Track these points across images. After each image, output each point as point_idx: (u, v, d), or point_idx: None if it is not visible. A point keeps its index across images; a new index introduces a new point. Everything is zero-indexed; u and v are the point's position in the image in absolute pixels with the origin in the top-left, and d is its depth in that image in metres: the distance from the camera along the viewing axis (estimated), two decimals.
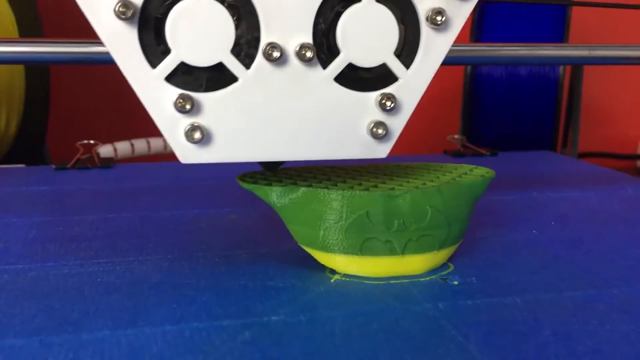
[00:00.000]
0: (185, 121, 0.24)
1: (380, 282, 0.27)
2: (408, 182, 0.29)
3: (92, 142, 0.55)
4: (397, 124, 0.26)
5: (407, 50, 0.26)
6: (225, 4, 0.24)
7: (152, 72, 0.23)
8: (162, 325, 0.23)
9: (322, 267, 0.28)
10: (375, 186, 0.28)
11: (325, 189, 0.27)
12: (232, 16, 0.24)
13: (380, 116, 0.26)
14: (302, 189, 0.28)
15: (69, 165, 0.51)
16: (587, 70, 0.86)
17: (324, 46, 0.25)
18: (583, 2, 0.72)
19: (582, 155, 0.94)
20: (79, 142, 0.54)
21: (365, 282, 0.27)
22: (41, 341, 0.22)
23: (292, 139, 0.26)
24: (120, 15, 0.22)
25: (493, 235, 0.34)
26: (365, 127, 0.26)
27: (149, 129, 0.70)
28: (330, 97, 0.25)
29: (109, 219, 0.36)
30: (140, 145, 0.63)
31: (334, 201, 0.27)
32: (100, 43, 0.33)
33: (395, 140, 0.27)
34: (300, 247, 0.29)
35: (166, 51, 0.23)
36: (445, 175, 0.31)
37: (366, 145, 0.26)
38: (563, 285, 0.27)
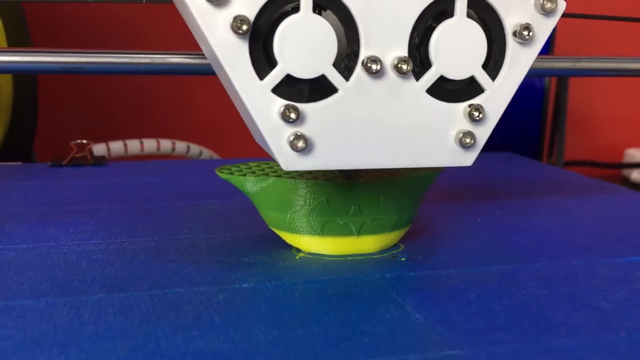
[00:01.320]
0: (289, 130, 0.26)
1: (338, 259, 0.31)
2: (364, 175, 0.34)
3: (85, 141, 0.59)
4: (484, 133, 0.28)
5: (493, 63, 0.27)
6: (328, 19, 0.25)
7: (260, 84, 0.25)
8: (150, 290, 0.27)
9: (289, 247, 0.33)
10: (336, 177, 0.33)
11: (292, 179, 0.32)
12: (335, 31, 0.25)
13: (468, 126, 0.27)
14: (272, 178, 0.32)
15: (64, 163, 0.55)
16: (573, 79, 0.89)
17: (417, 59, 0.26)
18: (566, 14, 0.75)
19: (568, 164, 0.97)
20: (73, 142, 0.58)
21: (326, 258, 0.31)
22: (47, 302, 0.26)
23: (386, 147, 0.27)
24: (236, 30, 0.24)
25: (441, 223, 0.38)
26: (454, 136, 0.27)
27: (140, 131, 0.74)
28: (422, 108, 0.27)
29: (102, 208, 0.41)
30: (133, 145, 0.67)
31: (300, 189, 0.31)
32: (88, 53, 0.37)
33: (481, 149, 0.28)
34: (270, 230, 0.33)
35: (273, 64, 0.25)
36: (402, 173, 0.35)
37: (453, 153, 0.28)
38: (495, 260, 0.31)
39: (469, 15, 0.26)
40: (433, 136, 0.27)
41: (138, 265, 0.30)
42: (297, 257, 0.31)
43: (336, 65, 0.25)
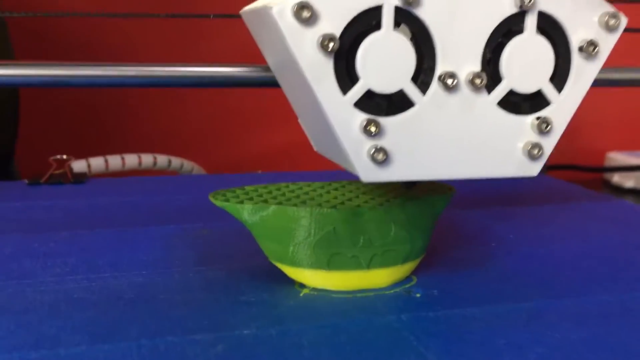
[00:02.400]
0: (369, 143, 0.26)
1: (347, 296, 0.28)
2: (373, 198, 0.31)
3: (64, 157, 0.56)
4: (550, 144, 0.28)
5: (558, 77, 0.28)
6: (409, 37, 0.26)
7: (343, 99, 0.25)
8: (138, 339, 0.24)
9: (291, 281, 0.30)
10: (342, 203, 0.30)
11: (294, 207, 0.29)
12: (414, 47, 0.26)
13: (535, 138, 0.28)
14: (272, 206, 0.29)
15: (42, 181, 0.51)
16: None
17: (488, 74, 0.27)
18: None
19: (551, 168, 0.97)
20: (52, 158, 0.55)
21: (333, 295, 0.28)
22: (20, 357, 0.22)
23: (460, 158, 0.27)
24: (325, 48, 0.24)
25: (455, 248, 0.35)
26: (522, 147, 0.28)
27: (122, 146, 0.71)
28: (493, 121, 0.27)
29: (83, 234, 0.37)
30: (115, 161, 0.63)
31: (303, 218, 0.28)
32: (72, 65, 0.34)
33: (546, 159, 0.29)
34: (269, 262, 0.30)
35: (354, 79, 0.26)
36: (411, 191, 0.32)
37: (521, 164, 0.28)
38: (518, 295, 0.29)
39: (538, 31, 0.27)
40: (502, 147, 0.28)
41: (124, 306, 0.27)
42: (301, 295, 0.28)
43: (414, 79, 0.26)
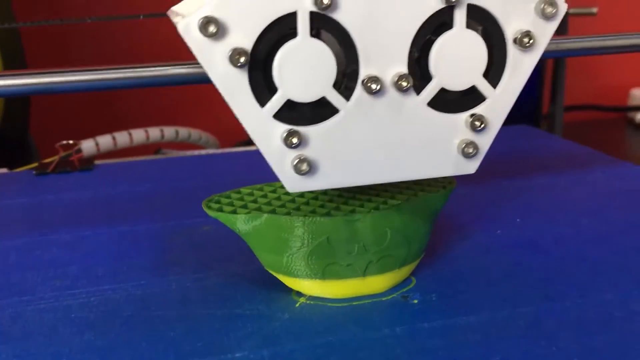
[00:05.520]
0: (292, 154, 0.26)
1: (343, 305, 0.28)
2: (369, 200, 0.30)
3: (71, 142, 0.56)
4: (486, 141, 0.28)
5: (494, 71, 0.27)
6: (326, 41, 0.25)
7: (261, 111, 0.25)
8: None
9: (289, 289, 0.29)
10: (337, 207, 0.29)
11: (287, 215, 0.28)
12: (333, 52, 0.25)
13: (470, 136, 0.27)
14: (265, 215, 0.28)
15: (49, 170, 0.51)
16: (572, 19, 0.84)
17: (417, 73, 0.26)
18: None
19: (570, 109, 0.94)
20: (58, 144, 0.55)
21: (329, 304, 0.28)
22: None
23: (390, 162, 0.27)
24: (235, 63, 0.24)
25: (456, 237, 0.35)
26: (456, 146, 0.27)
27: (130, 124, 0.71)
28: (424, 121, 0.27)
29: (85, 237, 0.37)
30: (122, 138, 0.63)
31: (296, 228, 0.28)
32: (79, 71, 0.34)
33: (483, 156, 0.28)
34: None
35: (273, 90, 0.25)
36: (408, 188, 0.31)
37: (457, 163, 0.28)
38: (519, 298, 0.28)
39: (468, 26, 0.26)
40: (436, 148, 0.27)
41: (120, 327, 0.27)
42: (297, 305, 0.28)
43: (336, 85, 0.25)
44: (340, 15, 0.24)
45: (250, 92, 0.25)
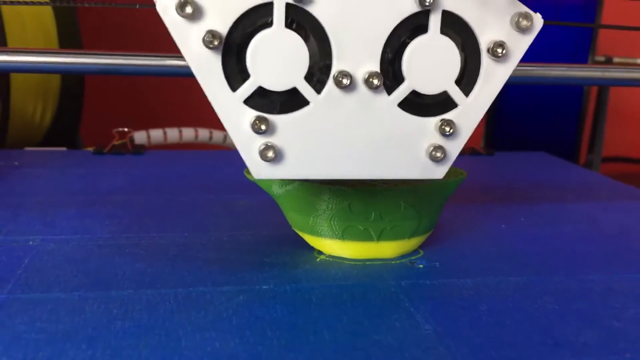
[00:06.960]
0: (260, 140, 0.26)
1: (357, 263, 0.32)
2: (387, 182, 0.34)
3: (126, 129, 0.61)
4: (455, 147, 0.28)
5: (467, 79, 0.27)
6: (302, 34, 0.26)
7: (233, 95, 0.26)
8: (175, 288, 0.29)
9: (311, 249, 0.34)
10: (362, 183, 0.34)
11: (317, 183, 0.33)
12: (307, 44, 0.26)
13: (439, 140, 0.28)
14: (298, 181, 0.33)
15: (105, 150, 0.57)
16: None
17: (389, 74, 0.27)
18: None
19: (606, 160, 0.94)
20: (115, 130, 0.60)
21: (345, 262, 0.32)
22: (80, 296, 0.27)
23: (357, 159, 0.28)
24: (208, 44, 0.25)
25: (465, 227, 0.39)
26: (425, 150, 0.28)
27: (179, 120, 0.76)
28: (394, 122, 0.27)
29: (138, 200, 0.42)
30: (173, 133, 0.69)
31: (324, 193, 0.32)
32: (132, 55, 0.38)
33: (452, 163, 0.29)
34: (294, 231, 0.34)
35: (245, 76, 0.26)
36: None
37: (425, 166, 0.28)
38: (512, 271, 0.32)
39: (443, 32, 0.27)
40: (404, 149, 0.28)
41: (166, 261, 0.32)
42: (317, 260, 0.33)
43: (309, 78, 0.26)
44: (316, 9, 0.25)
45: (223, 76, 0.25)
